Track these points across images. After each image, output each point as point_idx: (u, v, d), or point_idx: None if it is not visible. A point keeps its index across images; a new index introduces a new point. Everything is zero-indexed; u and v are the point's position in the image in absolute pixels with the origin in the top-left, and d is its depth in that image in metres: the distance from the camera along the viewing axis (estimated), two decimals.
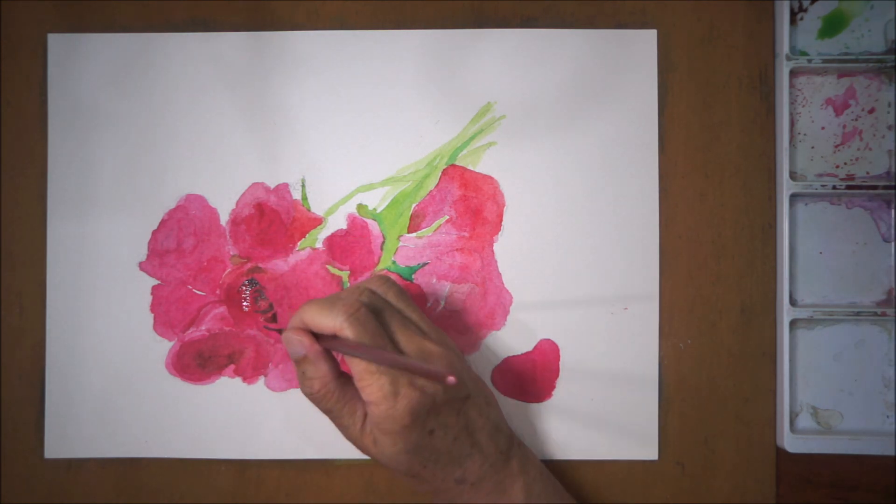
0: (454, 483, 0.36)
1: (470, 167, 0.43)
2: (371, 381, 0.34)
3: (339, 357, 0.37)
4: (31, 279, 0.43)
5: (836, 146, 0.43)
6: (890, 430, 0.42)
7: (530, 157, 0.43)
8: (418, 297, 0.43)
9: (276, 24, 0.43)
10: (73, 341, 0.43)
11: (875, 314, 0.42)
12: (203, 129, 0.43)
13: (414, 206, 0.43)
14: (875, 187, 0.42)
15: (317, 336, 0.36)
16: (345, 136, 0.43)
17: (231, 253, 0.43)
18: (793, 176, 0.43)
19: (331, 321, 0.34)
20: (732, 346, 0.43)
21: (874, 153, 0.43)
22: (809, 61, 0.42)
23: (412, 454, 0.35)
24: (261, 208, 0.43)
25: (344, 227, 0.43)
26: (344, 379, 0.36)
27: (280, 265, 0.43)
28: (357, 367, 0.34)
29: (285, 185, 0.43)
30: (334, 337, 0.35)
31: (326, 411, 0.36)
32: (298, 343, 0.35)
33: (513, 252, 0.43)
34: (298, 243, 0.43)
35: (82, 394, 0.43)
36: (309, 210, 0.43)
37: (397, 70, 0.43)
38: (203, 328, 0.43)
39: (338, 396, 0.36)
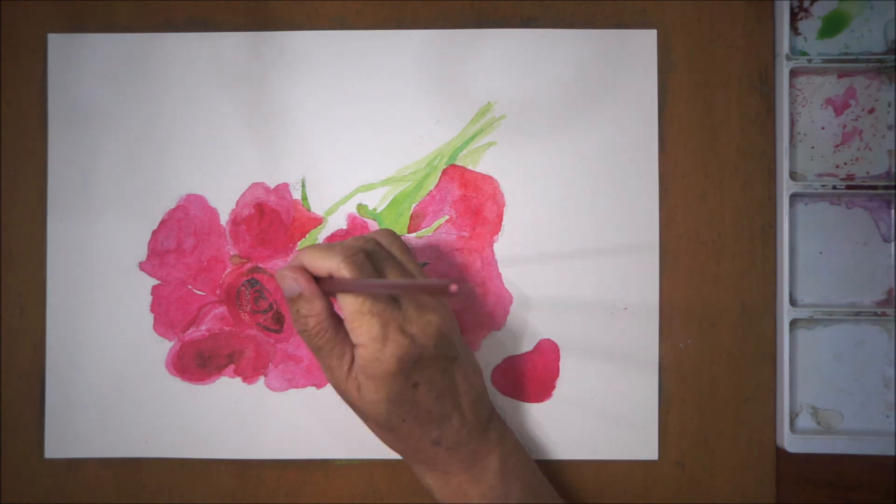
0: (430, 444, 0.37)
1: (470, 167, 0.43)
2: (361, 322, 0.34)
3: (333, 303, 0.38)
4: (31, 279, 0.43)
5: (836, 146, 0.43)
6: (890, 430, 0.42)
7: (530, 157, 0.43)
8: None
9: (276, 24, 0.43)
10: (73, 341, 0.43)
11: (875, 314, 0.42)
12: (203, 129, 0.43)
13: (414, 206, 0.43)
14: (875, 187, 0.42)
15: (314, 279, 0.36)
16: (345, 136, 0.43)
17: (231, 253, 0.43)
18: (793, 176, 0.43)
19: (327, 262, 0.34)
20: (732, 346, 0.43)
21: (874, 153, 0.43)
22: (809, 61, 0.42)
23: (394, 405, 0.35)
24: (261, 208, 0.43)
25: (344, 227, 0.43)
26: (336, 320, 0.36)
27: (280, 265, 0.43)
28: (349, 308, 0.34)
29: (285, 185, 0.43)
30: (331, 279, 0.35)
31: (316, 349, 0.36)
32: (293, 280, 0.35)
33: (513, 252, 0.43)
34: (298, 243, 0.43)
35: (82, 394, 0.43)
36: (309, 210, 0.43)
37: (397, 70, 0.43)
38: (203, 328, 0.43)
39: (330, 335, 0.35)
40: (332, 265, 0.34)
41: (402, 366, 0.34)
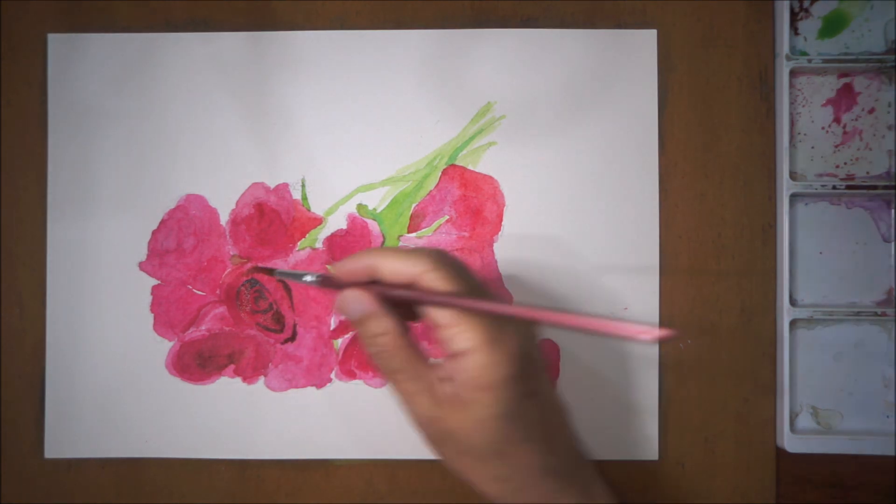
0: (540, 473, 0.31)
1: (470, 167, 0.43)
2: (468, 326, 0.29)
3: None
4: (31, 279, 0.43)
5: (836, 146, 0.43)
6: (890, 430, 0.42)
7: (530, 157, 0.43)
8: None
9: (276, 24, 0.43)
10: (73, 341, 0.43)
11: (875, 314, 0.42)
12: (203, 129, 0.43)
13: (414, 206, 0.43)
14: (875, 187, 0.42)
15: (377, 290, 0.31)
16: (345, 136, 0.43)
17: (231, 253, 0.43)
18: (793, 176, 0.43)
19: (410, 267, 0.29)
20: (732, 346, 0.43)
21: (874, 153, 0.43)
22: (809, 61, 0.42)
23: (507, 421, 0.29)
24: (261, 208, 0.43)
25: (344, 227, 0.43)
26: (410, 335, 0.32)
27: (280, 265, 0.43)
28: (445, 312, 0.29)
29: (285, 185, 0.43)
30: (410, 289, 0.30)
31: (393, 373, 0.31)
32: (356, 301, 0.31)
33: (513, 252, 0.43)
34: (298, 243, 0.43)
35: (82, 394, 0.43)
36: (309, 210, 0.43)
37: (397, 70, 0.43)
38: (203, 328, 0.43)
39: (408, 353, 0.31)
40: (417, 272, 0.29)
41: (522, 367, 0.29)
